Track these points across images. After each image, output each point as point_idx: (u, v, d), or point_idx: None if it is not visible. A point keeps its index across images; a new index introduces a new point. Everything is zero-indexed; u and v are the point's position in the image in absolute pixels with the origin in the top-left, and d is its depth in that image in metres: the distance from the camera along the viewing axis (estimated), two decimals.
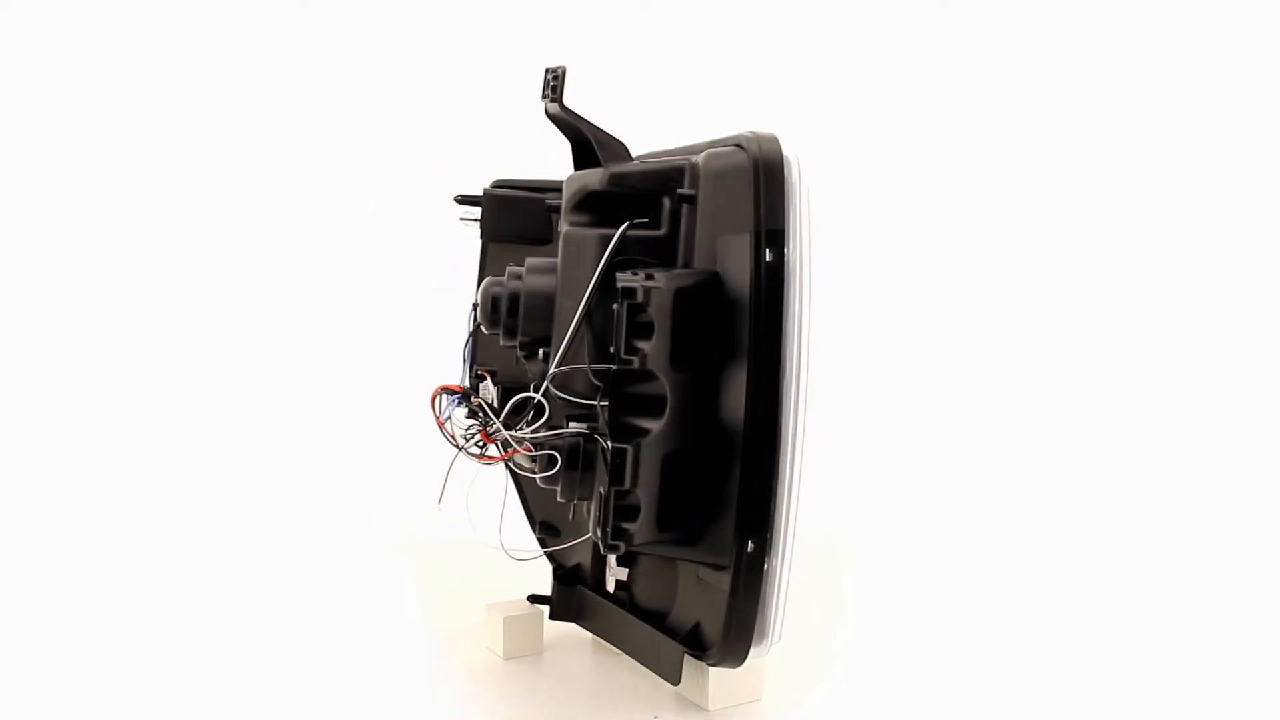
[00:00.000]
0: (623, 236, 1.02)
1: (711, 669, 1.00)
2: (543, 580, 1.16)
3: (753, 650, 0.96)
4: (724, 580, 0.94)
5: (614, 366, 0.90)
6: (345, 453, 1.57)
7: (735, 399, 0.93)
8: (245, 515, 1.52)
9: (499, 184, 1.18)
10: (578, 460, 0.94)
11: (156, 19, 1.55)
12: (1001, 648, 1.21)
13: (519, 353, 1.07)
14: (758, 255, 0.93)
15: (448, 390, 1.01)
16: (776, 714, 1.03)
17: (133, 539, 1.45)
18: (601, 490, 0.89)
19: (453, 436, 1.02)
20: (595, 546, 1.09)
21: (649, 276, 0.90)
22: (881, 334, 1.73)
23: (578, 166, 1.10)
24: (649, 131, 1.09)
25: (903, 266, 1.75)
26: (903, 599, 1.37)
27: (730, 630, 0.94)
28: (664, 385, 0.91)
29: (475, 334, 1.11)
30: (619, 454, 0.87)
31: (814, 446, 1.01)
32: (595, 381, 0.96)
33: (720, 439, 0.94)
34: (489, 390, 1.11)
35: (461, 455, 1.01)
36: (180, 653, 1.12)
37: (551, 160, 1.06)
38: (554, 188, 1.12)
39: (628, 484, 0.87)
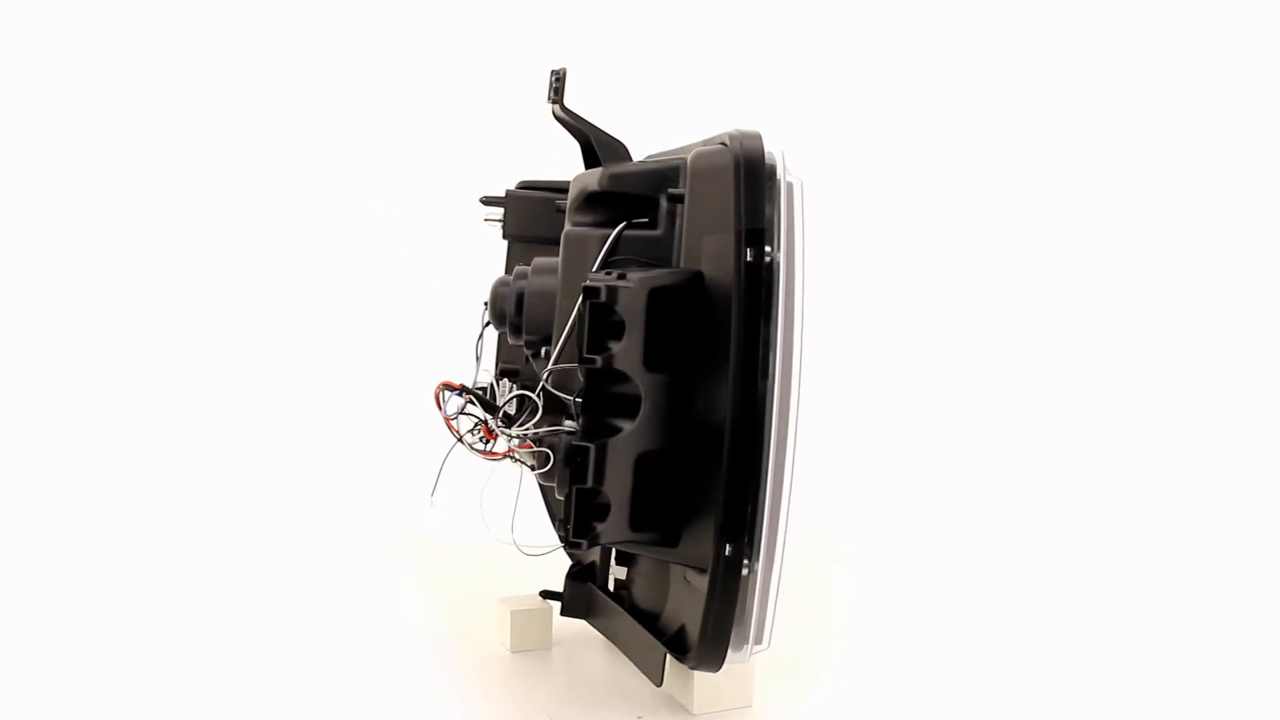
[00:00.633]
0: (619, 236, 1.04)
1: (698, 672, 0.99)
2: (553, 578, 1.16)
3: (732, 655, 0.95)
4: (704, 583, 0.93)
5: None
6: (345, 452, 1.58)
7: (717, 401, 0.92)
8: (244, 515, 1.52)
9: (523, 185, 1.20)
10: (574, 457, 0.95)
11: (156, 18, 1.57)
12: (1001, 651, 1.19)
13: (526, 351, 1.10)
14: (738, 255, 0.92)
15: (448, 386, 1.04)
16: None
17: (133, 541, 1.47)
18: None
19: (457, 432, 1.04)
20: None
21: (621, 276, 0.91)
22: (881, 333, 1.70)
23: (587, 167, 1.12)
24: (661, 131, 1.09)
25: (902, 265, 1.73)
26: (902, 602, 1.35)
27: (706, 634, 0.94)
28: (637, 385, 0.91)
29: (499, 334, 1.14)
30: (580, 452, 0.87)
31: (806, 448, 1.00)
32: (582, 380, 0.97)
33: (703, 441, 0.93)
34: (506, 388, 1.13)
35: (468, 453, 1.04)
36: (177, 650, 1.14)
37: (552, 160, 1.07)
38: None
39: (590, 482, 0.88)
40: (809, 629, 1.22)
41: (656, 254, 1.01)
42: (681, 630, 0.99)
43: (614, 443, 0.90)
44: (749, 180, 0.92)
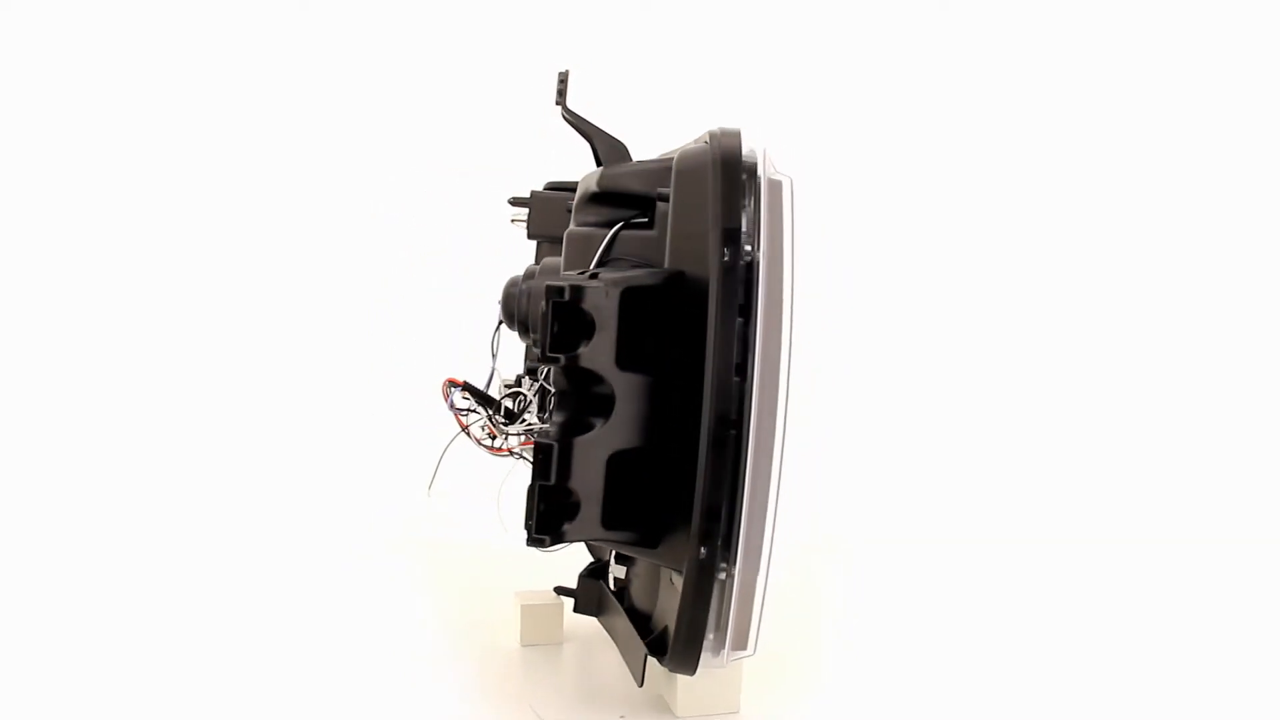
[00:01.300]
0: (615, 236, 1.04)
1: (681, 675, 0.98)
2: (571, 575, 1.17)
3: (710, 660, 0.94)
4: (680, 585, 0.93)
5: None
6: (345, 452, 1.59)
7: (697, 401, 0.91)
8: (245, 515, 1.53)
9: (550, 185, 1.22)
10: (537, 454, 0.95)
11: (156, 17, 1.59)
12: (998, 654, 1.18)
13: (534, 349, 1.11)
14: (716, 254, 0.91)
15: (453, 383, 1.06)
16: None
17: (135, 544, 1.46)
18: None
19: (465, 426, 1.07)
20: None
21: (592, 276, 0.91)
22: (882, 332, 1.68)
23: (598, 166, 1.12)
24: (670, 130, 1.09)
25: (904, 264, 1.71)
26: (900, 605, 1.33)
27: (680, 637, 0.93)
28: (610, 384, 0.91)
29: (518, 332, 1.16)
30: (543, 450, 0.88)
31: (798, 450, 0.98)
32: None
33: (683, 441, 0.92)
34: (527, 387, 1.15)
35: (475, 449, 1.06)
36: (179, 650, 1.15)
37: (552, 160, 1.08)
38: None
39: (553, 479, 0.88)
40: (805, 633, 1.21)
41: (652, 253, 1.00)
42: (665, 631, 0.99)
43: (586, 440, 0.90)
44: (726, 179, 0.91)
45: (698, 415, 0.91)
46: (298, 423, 1.61)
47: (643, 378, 0.92)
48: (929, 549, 1.51)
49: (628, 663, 1.05)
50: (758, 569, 0.96)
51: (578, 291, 0.88)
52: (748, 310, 0.90)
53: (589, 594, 1.18)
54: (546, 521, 0.89)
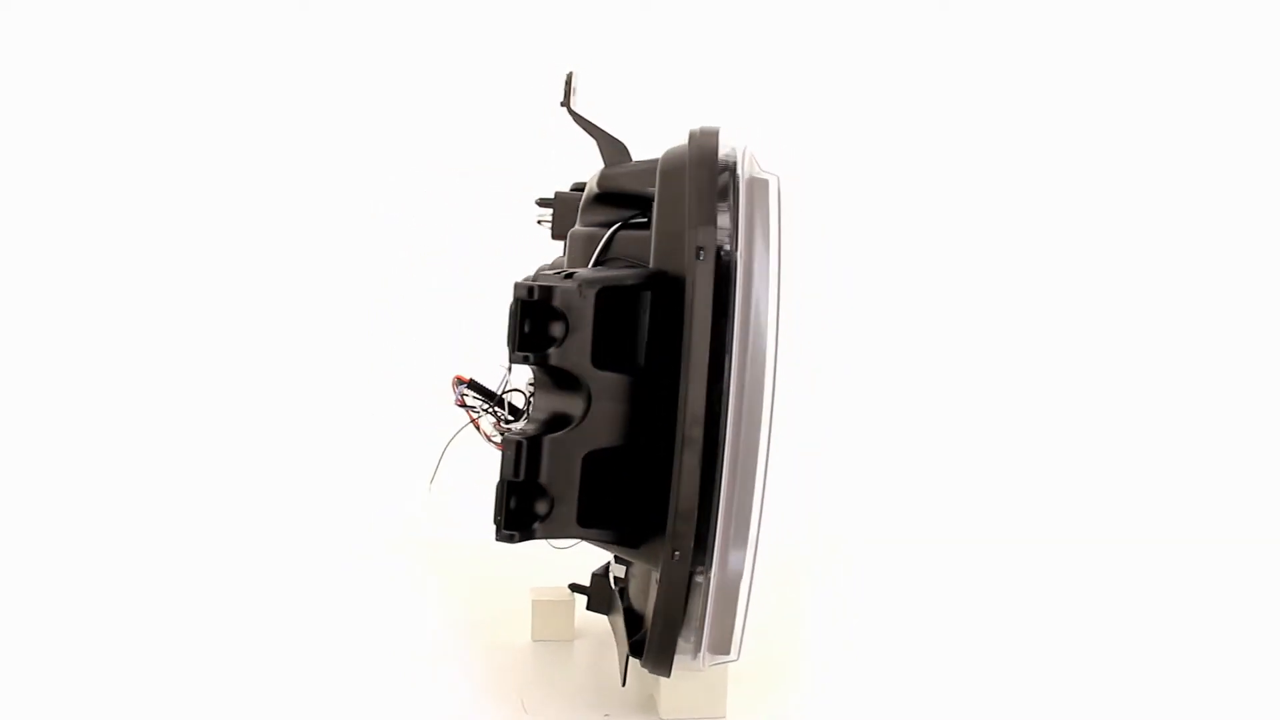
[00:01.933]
0: (613, 236, 1.04)
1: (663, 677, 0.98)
2: (583, 573, 1.18)
3: (688, 663, 0.93)
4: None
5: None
6: (345, 453, 1.59)
7: (674, 402, 0.91)
8: (245, 516, 1.53)
9: (576, 186, 1.23)
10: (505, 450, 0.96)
11: (157, 17, 1.59)
12: (995, 656, 1.17)
13: None
14: (691, 253, 0.90)
15: (459, 380, 1.09)
16: None
17: (139, 547, 1.46)
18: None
19: (476, 422, 1.09)
20: None
21: (567, 276, 0.91)
22: (872, 331, 1.65)
23: None
24: (680, 130, 1.08)
25: (903, 263, 1.69)
26: (894, 609, 1.32)
27: (654, 638, 0.92)
28: (585, 384, 0.91)
29: None
30: (511, 446, 0.89)
31: (786, 452, 0.97)
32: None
33: (661, 442, 0.92)
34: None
35: (485, 445, 1.08)
36: (187, 650, 1.16)
37: (554, 160, 1.08)
38: None
39: (521, 475, 0.89)
40: (796, 637, 1.19)
41: (646, 253, 0.99)
42: (647, 632, 0.99)
43: (560, 438, 0.91)
44: (700, 178, 0.90)
45: (675, 415, 0.91)
46: (300, 423, 1.61)
47: (621, 377, 0.92)
48: (922, 550, 1.50)
49: (619, 662, 1.05)
50: (741, 573, 0.96)
51: (546, 291, 0.89)
52: (724, 309, 0.90)
53: (601, 592, 1.18)
54: (516, 517, 0.90)
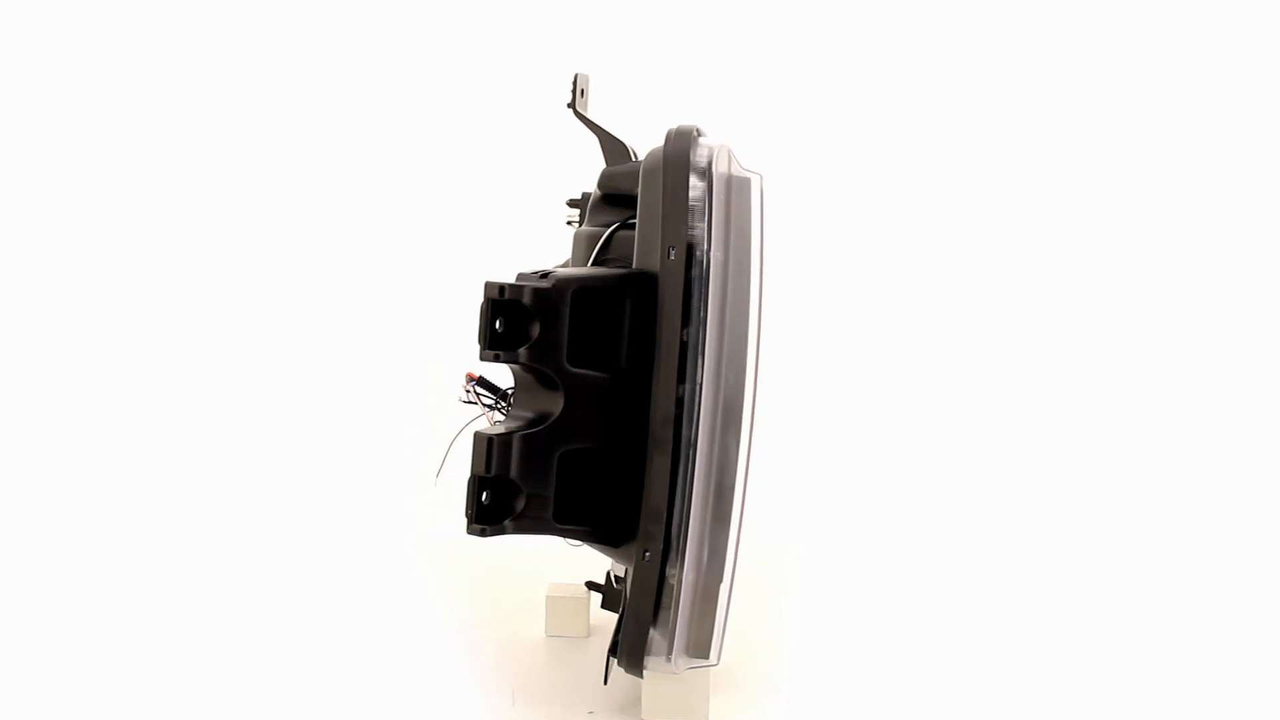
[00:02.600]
0: (611, 236, 1.04)
1: (646, 678, 0.97)
2: (600, 571, 1.18)
3: (661, 665, 0.93)
4: None
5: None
6: (346, 453, 1.60)
7: (647, 402, 0.91)
8: (251, 518, 1.53)
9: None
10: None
11: (158, 18, 1.61)
12: (985, 661, 1.15)
13: None
14: (661, 254, 0.90)
15: (470, 377, 1.11)
16: None
17: (145, 549, 1.44)
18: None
19: (490, 416, 1.11)
20: None
21: (543, 276, 0.92)
22: (858, 332, 1.64)
23: None
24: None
25: (882, 263, 1.68)
26: (880, 612, 1.30)
27: (625, 638, 0.93)
28: (560, 383, 0.92)
29: None
30: (483, 442, 0.90)
31: (763, 455, 0.96)
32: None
33: (639, 442, 0.92)
34: None
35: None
36: (195, 649, 1.16)
37: (554, 160, 1.09)
38: None
39: (490, 471, 0.90)
40: (786, 642, 1.18)
41: None
42: None
43: (534, 435, 0.92)
44: (673, 178, 0.90)
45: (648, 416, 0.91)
46: (298, 424, 1.62)
47: (599, 377, 0.93)
48: (910, 551, 1.49)
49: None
50: (720, 577, 0.95)
51: (516, 290, 0.90)
52: (686, 311, 0.89)
53: (615, 590, 1.20)
54: (487, 512, 0.92)
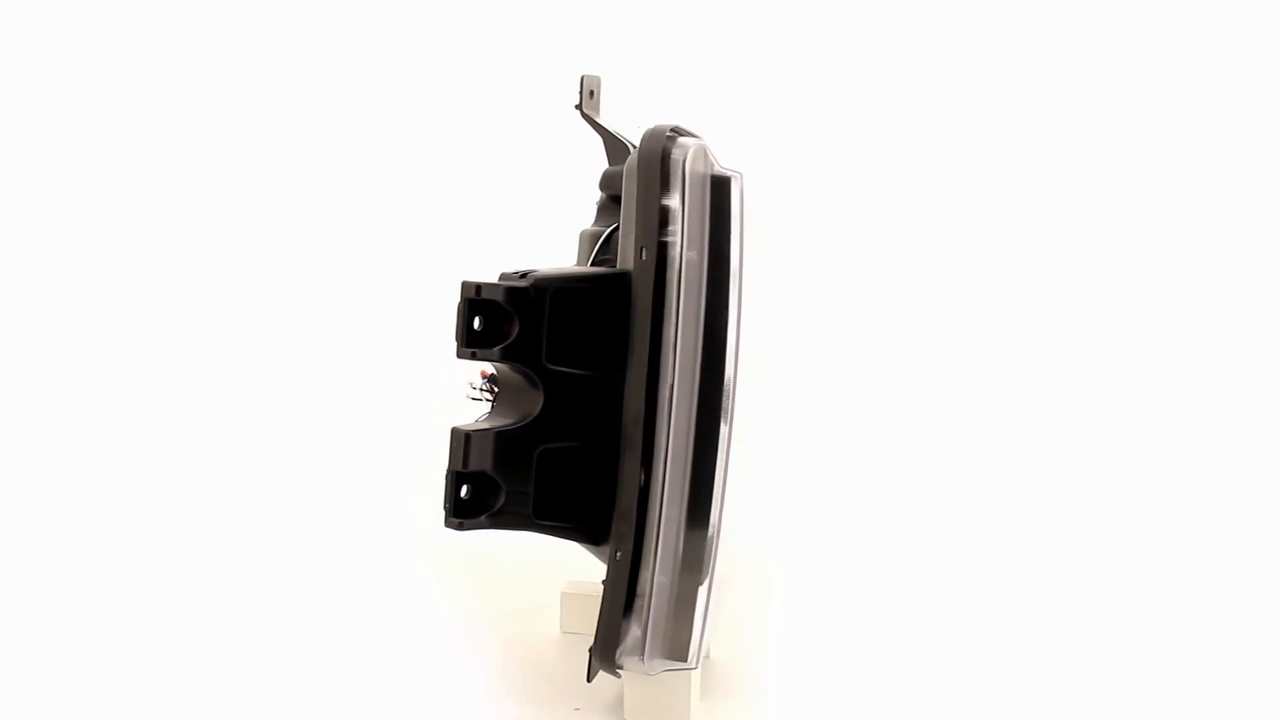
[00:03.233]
0: (610, 236, 1.05)
1: (626, 679, 0.97)
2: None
3: (637, 665, 0.92)
4: None
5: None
6: (347, 453, 1.60)
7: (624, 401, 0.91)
8: (251, 518, 1.52)
9: None
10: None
11: (157, 16, 1.63)
12: (977, 661, 1.15)
13: None
14: (634, 253, 0.90)
15: (484, 375, 1.13)
16: None
17: (146, 550, 1.43)
18: None
19: None
20: None
21: (522, 276, 0.93)
22: (843, 332, 1.63)
23: None
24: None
25: (868, 262, 1.68)
26: (869, 615, 1.29)
27: (598, 636, 0.93)
28: (539, 381, 0.93)
29: None
30: (459, 437, 0.92)
31: (754, 454, 0.96)
32: None
33: (613, 441, 0.92)
34: None
35: None
36: (202, 648, 1.16)
37: (554, 161, 1.09)
38: None
39: (464, 466, 0.91)
40: (775, 645, 1.17)
41: None
42: None
43: (511, 432, 0.93)
44: (645, 176, 0.89)
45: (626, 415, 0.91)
46: (299, 424, 1.64)
47: (577, 376, 0.93)
48: (902, 553, 1.48)
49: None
50: (699, 580, 0.94)
51: (492, 290, 0.91)
52: (663, 309, 0.88)
53: None
54: (465, 506, 0.93)
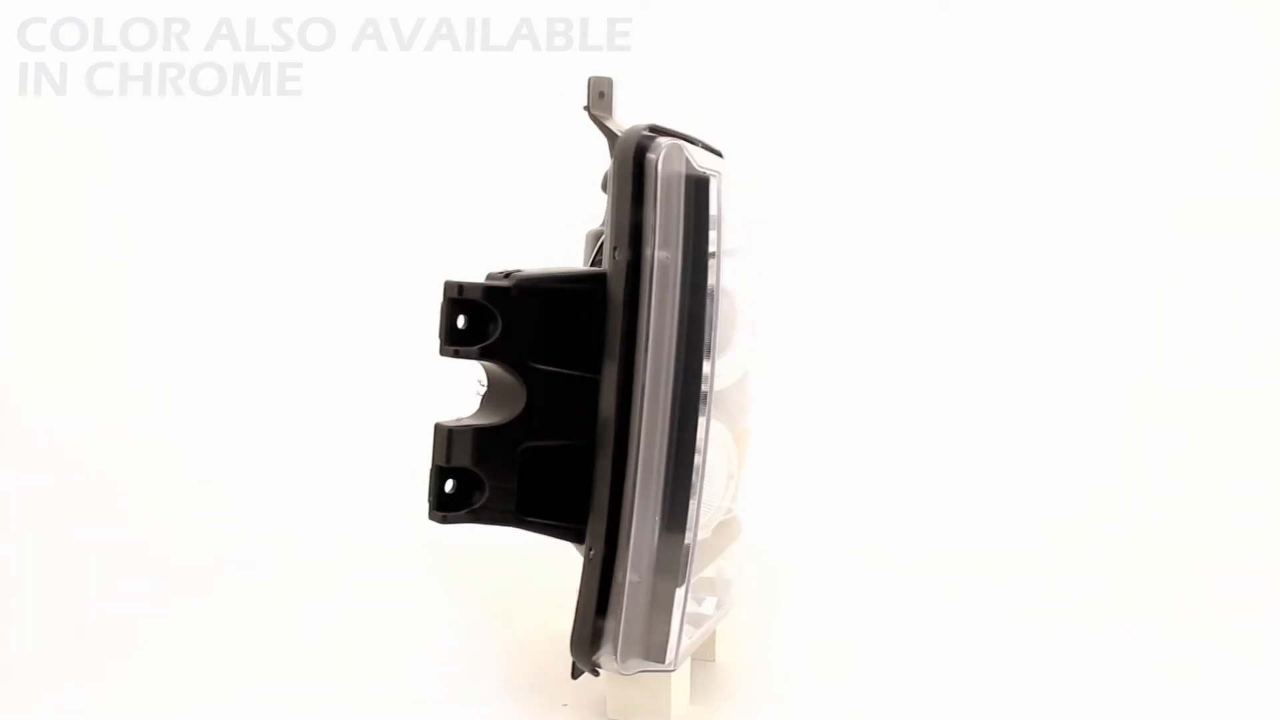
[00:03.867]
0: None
1: (607, 678, 0.97)
2: None
3: (616, 665, 0.93)
4: None
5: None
6: (340, 452, 1.60)
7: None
8: (251, 519, 1.55)
9: None
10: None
11: (158, 15, 1.65)
12: (967, 669, 1.13)
13: None
14: (609, 255, 0.90)
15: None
16: None
17: (147, 551, 1.43)
18: None
19: None
20: None
21: (506, 276, 0.94)
22: (831, 331, 1.62)
23: None
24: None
25: (856, 263, 1.69)
26: (866, 619, 1.29)
27: (573, 634, 0.93)
28: (521, 380, 0.94)
29: None
30: (441, 433, 0.93)
31: (752, 455, 0.98)
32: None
33: (592, 441, 0.93)
34: None
35: None
36: (205, 647, 1.17)
37: (554, 162, 1.09)
38: None
39: (446, 461, 0.93)
40: (767, 647, 1.16)
41: None
42: None
43: (493, 429, 0.94)
44: (621, 176, 0.89)
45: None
46: (300, 425, 1.66)
47: (559, 375, 0.94)
48: (901, 554, 1.48)
49: None
50: (676, 581, 0.93)
51: (474, 289, 0.93)
52: (634, 309, 0.88)
53: None
54: (448, 500, 0.95)
